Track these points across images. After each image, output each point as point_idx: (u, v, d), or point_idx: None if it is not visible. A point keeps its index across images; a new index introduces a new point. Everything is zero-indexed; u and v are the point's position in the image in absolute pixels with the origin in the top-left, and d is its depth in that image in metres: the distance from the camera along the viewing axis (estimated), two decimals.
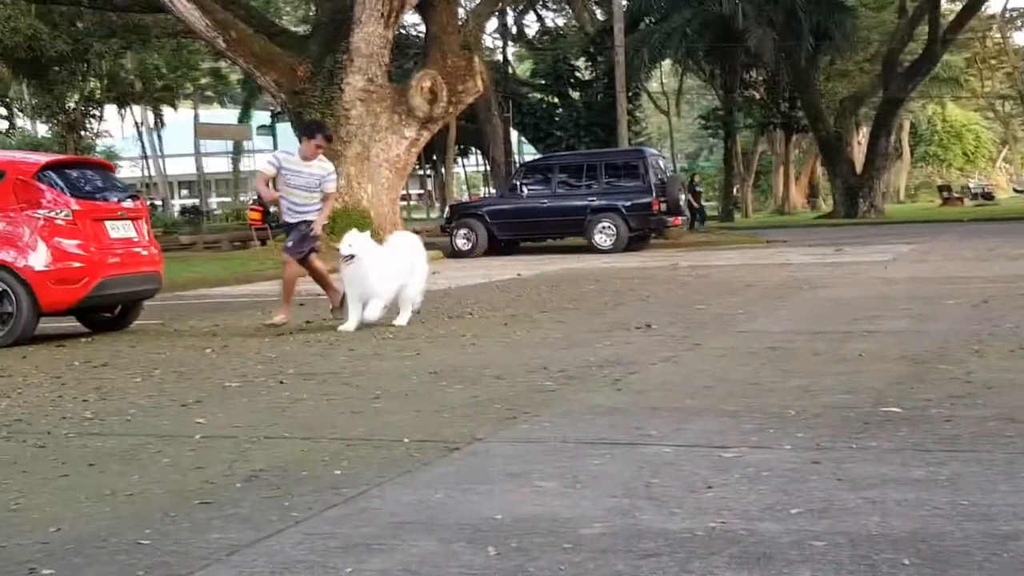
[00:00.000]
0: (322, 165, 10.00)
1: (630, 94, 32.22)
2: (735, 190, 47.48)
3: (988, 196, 51.89)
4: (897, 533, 3.22)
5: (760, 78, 43.66)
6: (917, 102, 53.63)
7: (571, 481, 4.01)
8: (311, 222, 9.98)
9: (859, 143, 46.45)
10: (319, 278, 10.43)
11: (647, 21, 36.72)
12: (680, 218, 24.39)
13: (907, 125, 58.55)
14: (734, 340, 8.01)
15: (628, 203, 22.82)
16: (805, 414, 5.05)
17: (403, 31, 34.42)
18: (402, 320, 9.66)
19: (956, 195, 51.80)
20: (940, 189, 55.06)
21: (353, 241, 9.24)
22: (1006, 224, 29.05)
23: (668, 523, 3.42)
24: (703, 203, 33.86)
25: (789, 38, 34.86)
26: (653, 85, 50.34)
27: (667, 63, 44.95)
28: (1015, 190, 59.76)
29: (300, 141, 10.10)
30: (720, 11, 33.82)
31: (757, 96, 44.86)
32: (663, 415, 5.21)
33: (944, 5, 41.24)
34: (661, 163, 25.72)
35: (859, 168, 39.65)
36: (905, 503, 3.54)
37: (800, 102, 40.67)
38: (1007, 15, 52.19)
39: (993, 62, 57.24)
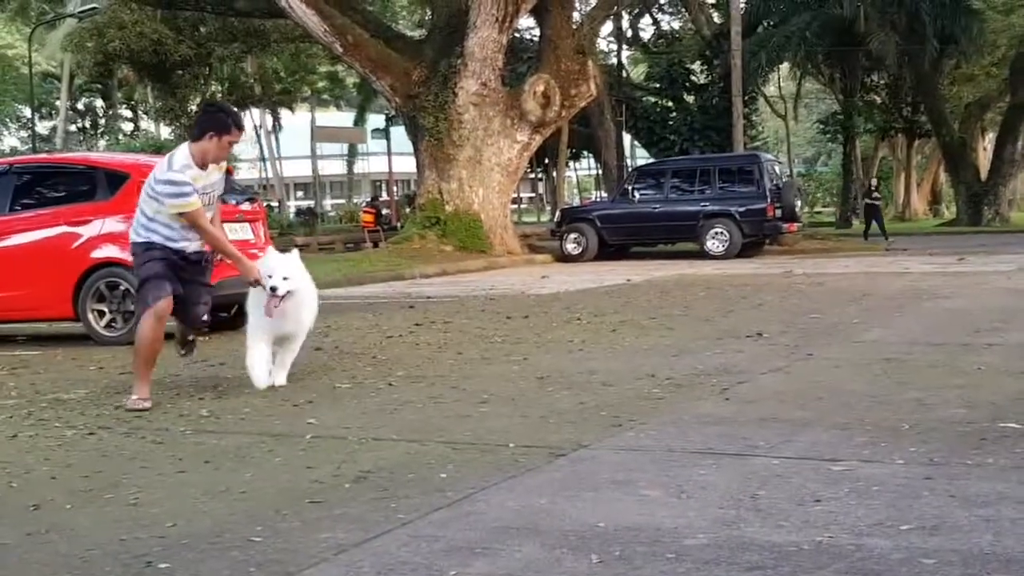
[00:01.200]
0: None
1: (746, 98, 31.79)
2: (854, 196, 46.56)
3: None
4: (1011, 552, 3.13)
5: (881, 82, 42.73)
6: None
7: (676, 491, 3.99)
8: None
9: (984, 149, 45.14)
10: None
11: (765, 24, 36.21)
12: (796, 224, 24.02)
13: None
14: (848, 351, 7.86)
15: (742, 208, 22.57)
16: (919, 428, 4.94)
17: (517, 34, 34.52)
18: (283, 378, 6.83)
19: None
20: None
21: (289, 270, 6.60)
22: None
23: (774, 536, 3.38)
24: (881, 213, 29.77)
25: (912, 41, 34.00)
26: (770, 89, 49.60)
27: (785, 67, 44.27)
28: None
29: (200, 138, 6.46)
30: (841, 14, 33.18)
31: (878, 100, 43.90)
32: (772, 426, 5.15)
33: None
34: (777, 168, 25.37)
35: (984, 175, 38.51)
36: (1020, 522, 3.44)
37: (923, 107, 39.68)
38: None
39: None
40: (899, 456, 4.41)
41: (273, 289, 6.42)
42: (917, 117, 41.84)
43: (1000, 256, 19.48)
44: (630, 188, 24.39)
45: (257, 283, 6.55)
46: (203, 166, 6.43)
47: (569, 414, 5.61)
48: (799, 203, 24.49)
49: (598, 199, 40.00)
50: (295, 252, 6.81)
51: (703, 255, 22.33)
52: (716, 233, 22.64)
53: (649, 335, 9.14)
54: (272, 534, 3.58)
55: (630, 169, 32.82)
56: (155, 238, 6.41)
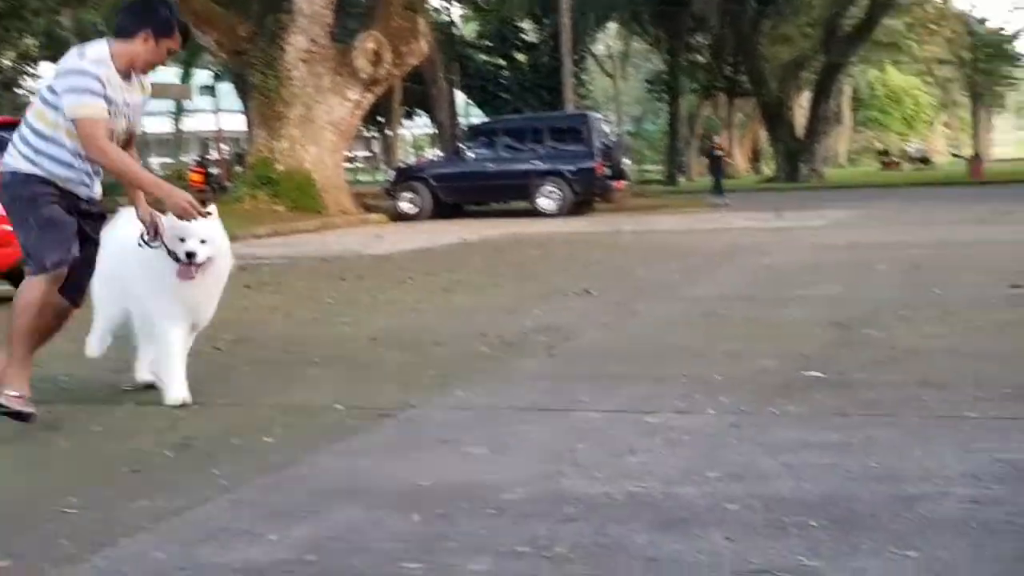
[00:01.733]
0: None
1: (576, 57, 32.22)
2: (680, 154, 47.76)
3: (925, 160, 52.68)
4: (809, 496, 3.33)
5: (705, 42, 43.85)
6: (858, 67, 54.07)
7: (500, 447, 4.08)
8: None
9: (801, 107, 46.83)
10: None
11: None
12: (624, 182, 24.50)
13: (848, 90, 59.07)
14: (671, 306, 8.12)
15: (572, 167, 22.88)
16: (731, 379, 5.16)
17: None
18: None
19: (894, 159, 52.48)
20: (880, 154, 55.74)
21: (209, 233, 4.96)
22: (942, 189, 29.50)
23: (590, 488, 3.51)
24: (721, 169, 29.98)
25: (733, 2, 35.00)
26: (599, 48, 50.31)
27: (613, 26, 44.98)
28: (952, 154, 60.59)
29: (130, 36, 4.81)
30: None
31: (701, 60, 45.05)
32: (595, 381, 5.29)
33: None
34: (605, 127, 25.80)
35: (801, 133, 40.01)
36: (819, 466, 3.65)
37: (743, 66, 40.90)
38: None
39: (932, 27, 57.76)
40: (711, 407, 4.60)
41: (189, 256, 4.86)
42: (738, 76, 43.10)
43: (815, 212, 20.32)
44: (463, 147, 24.43)
45: (155, 238, 4.93)
46: (126, 74, 4.75)
47: (399, 375, 5.64)
48: (627, 161, 24.97)
49: (433, 158, 39.98)
50: (214, 209, 4.98)
51: (536, 213, 22.58)
52: (548, 192, 22.90)
53: (481, 294, 9.24)
54: (88, 504, 3.52)
55: (463, 128, 32.86)
56: (47, 171, 4.65)
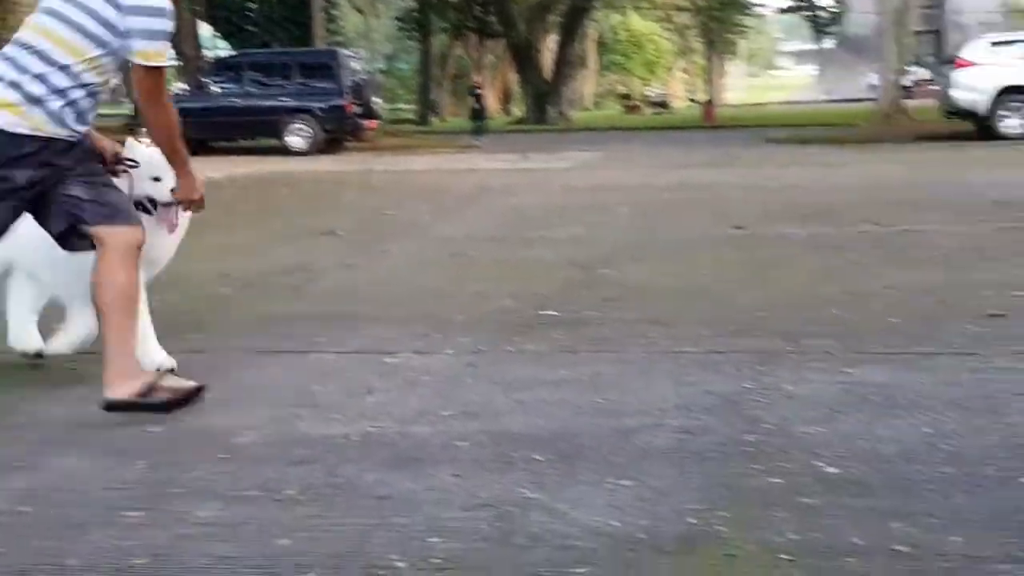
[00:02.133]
0: None
1: None
2: (432, 93, 47.79)
3: (664, 104, 54.84)
4: (538, 431, 3.46)
5: None
6: (602, 11, 55.46)
7: (234, 391, 4.02)
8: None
9: (549, 50, 47.63)
10: None
11: None
12: (376, 121, 24.34)
13: (593, 34, 60.53)
14: (418, 246, 8.19)
15: (322, 104, 22.53)
16: (472, 320, 5.26)
17: None
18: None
19: (636, 103, 54.34)
20: (622, 97, 57.57)
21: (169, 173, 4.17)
22: (679, 133, 30.80)
23: (325, 429, 3.52)
24: (483, 106, 30.18)
25: None
26: None
27: None
28: (690, 99, 63.28)
29: None
30: None
31: None
32: (337, 322, 5.29)
33: None
34: (356, 65, 25.48)
35: (549, 75, 40.75)
36: (549, 402, 3.80)
37: (492, 7, 41.19)
38: None
39: None
40: (449, 347, 4.69)
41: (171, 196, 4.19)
42: (488, 17, 43.38)
43: (561, 154, 20.79)
44: (208, 81, 23.62)
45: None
46: None
47: None
48: (378, 100, 24.80)
49: (177, 92, 38.43)
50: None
51: (285, 151, 22.15)
52: (296, 129, 22.48)
53: (224, 234, 8.96)
54: None
55: (208, 61, 31.71)
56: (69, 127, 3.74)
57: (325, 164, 19.13)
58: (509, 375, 4.19)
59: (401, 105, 58.42)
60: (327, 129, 22.67)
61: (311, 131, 22.47)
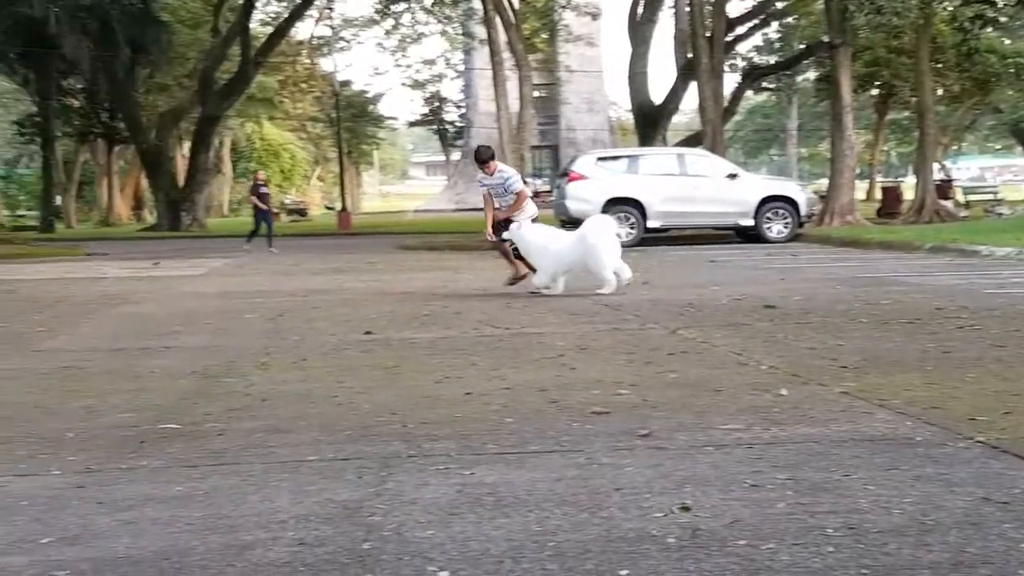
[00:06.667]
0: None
1: None
2: (57, 200, 45.45)
3: (302, 212, 55.12)
4: (144, 553, 3.31)
5: (79, 86, 42.26)
6: (236, 120, 55.23)
7: None
8: None
9: (183, 157, 46.70)
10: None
11: None
12: None
13: (228, 141, 60.07)
14: (28, 360, 7.69)
15: None
16: (83, 436, 5.00)
17: None
18: None
19: (273, 210, 54.16)
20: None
21: None
22: (315, 240, 30.98)
23: None
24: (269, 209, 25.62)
25: (106, 48, 34.13)
26: None
27: None
28: (327, 207, 63.92)
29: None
30: (31, 14, 32.16)
31: (76, 104, 43.35)
32: None
33: (256, 28, 43.04)
34: None
35: (182, 182, 39.93)
36: (159, 521, 3.65)
37: (120, 113, 39.99)
38: (314, 42, 55.68)
39: (304, 86, 60.77)
40: (56, 467, 4.42)
41: None
42: (115, 123, 42.07)
43: (194, 260, 20.37)
44: None
45: None
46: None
47: None
48: None
49: None
50: None
51: None
52: None
53: None
54: None
55: None
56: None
57: None
58: (119, 494, 3.99)
59: (23, 212, 55.15)
60: None
61: None
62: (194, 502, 3.87)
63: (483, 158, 12.34)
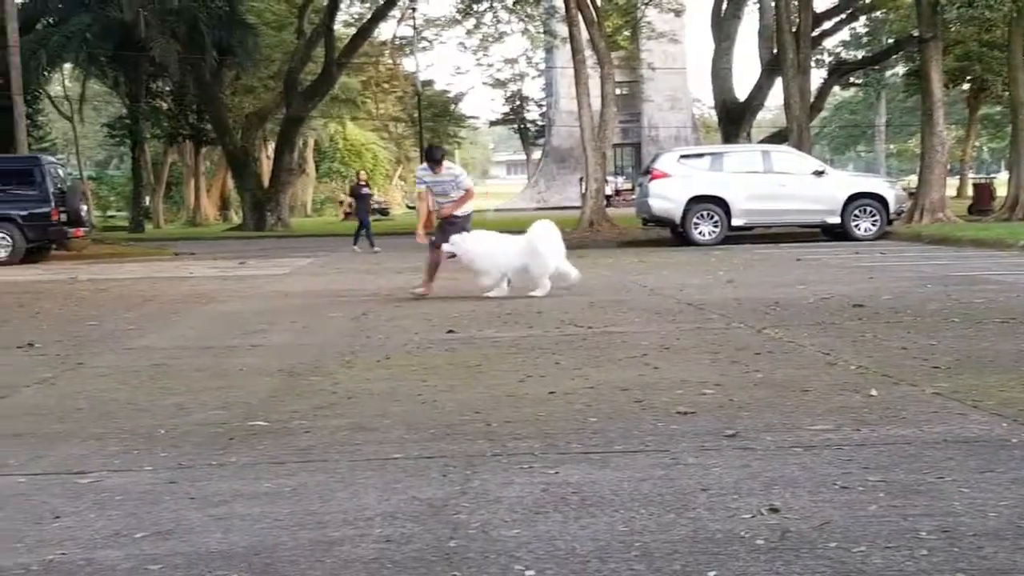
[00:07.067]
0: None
1: (28, 97, 30.34)
2: (146, 200, 46.46)
3: (384, 212, 55.52)
4: (235, 548, 3.36)
5: (167, 89, 43.11)
6: (319, 120, 55.90)
7: None
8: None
9: (268, 158, 47.40)
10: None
11: (45, 22, 34.81)
12: (82, 229, 23.41)
13: (311, 142, 60.83)
14: (120, 358, 7.85)
15: (25, 212, 21.54)
16: (174, 433, 5.09)
17: None
18: None
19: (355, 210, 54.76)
20: (341, 204, 57.91)
21: None
22: (397, 238, 31.15)
23: (4, 560, 3.29)
24: (372, 210, 25.35)
25: (193, 51, 34.78)
26: (55, 89, 47.71)
27: (69, 67, 42.87)
28: (408, 206, 64.38)
29: None
30: (122, 18, 32.90)
31: (164, 106, 44.22)
32: (26, 442, 4.99)
33: (340, 29, 43.48)
34: (61, 171, 24.52)
35: (267, 182, 40.53)
36: (249, 517, 3.70)
37: (207, 115, 40.72)
38: (396, 42, 56.16)
39: (386, 86, 61.29)
40: (149, 463, 4.50)
41: None
42: (203, 125, 42.84)
43: (278, 260, 20.65)
44: None
45: None
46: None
47: None
48: (85, 207, 23.86)
49: None
50: None
51: None
52: None
53: None
54: None
55: None
56: None
57: (28, 274, 18.16)
58: (210, 490, 4.06)
59: (113, 212, 56.48)
60: (30, 238, 21.67)
61: (12, 240, 21.41)
62: (282, 498, 3.92)
63: (437, 157, 12.16)
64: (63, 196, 22.34)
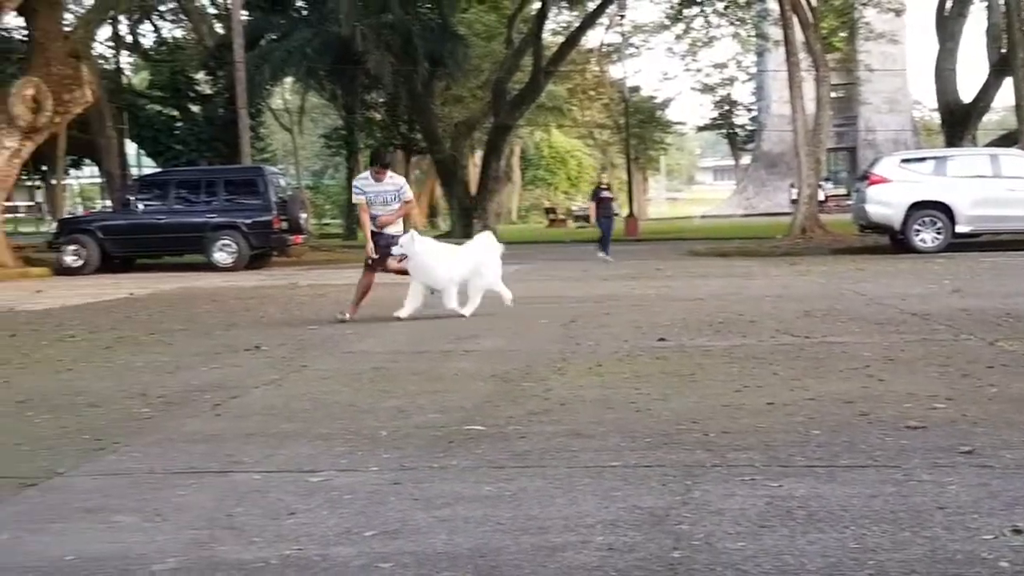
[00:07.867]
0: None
1: (252, 110, 31.85)
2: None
3: (588, 219, 55.64)
4: (460, 549, 3.42)
5: (380, 100, 44.46)
6: (526, 128, 56.54)
7: (151, 514, 3.93)
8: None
9: (475, 166, 48.28)
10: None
11: (267, 38, 36.47)
12: (301, 236, 24.38)
13: (517, 150, 61.60)
14: (340, 361, 8.12)
15: (249, 220, 22.62)
16: (396, 435, 5.22)
17: (5, 33, 32.19)
18: None
19: (561, 217, 55.18)
20: (547, 211, 58.41)
21: None
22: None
23: (244, 553, 3.44)
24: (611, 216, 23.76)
25: (406, 63, 35.77)
26: (276, 102, 49.95)
27: (289, 81, 44.78)
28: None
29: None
30: (339, 33, 34.15)
31: (378, 117, 45.60)
32: (258, 440, 5.21)
33: (547, 38, 43.87)
34: (282, 181, 25.66)
35: (474, 190, 41.30)
36: (472, 519, 3.75)
37: (418, 125, 41.80)
38: (603, 49, 56.19)
39: (592, 93, 61.38)
40: (374, 463, 4.63)
41: None
42: (413, 135, 44.00)
43: None
44: (132, 198, 23.56)
45: None
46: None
47: (48, 439, 5.33)
48: (304, 215, 24.87)
49: (102, 209, 38.26)
50: None
51: (211, 267, 22.07)
52: (223, 245, 22.50)
53: (146, 351, 8.88)
54: None
55: (134, 179, 31.65)
56: None
57: (251, 279, 19.04)
58: (433, 492, 4.14)
59: (328, 220, 58.63)
60: (253, 245, 22.70)
61: (237, 247, 22.48)
62: (503, 502, 3.96)
63: (386, 162, 11.80)
64: (284, 205, 23.32)
